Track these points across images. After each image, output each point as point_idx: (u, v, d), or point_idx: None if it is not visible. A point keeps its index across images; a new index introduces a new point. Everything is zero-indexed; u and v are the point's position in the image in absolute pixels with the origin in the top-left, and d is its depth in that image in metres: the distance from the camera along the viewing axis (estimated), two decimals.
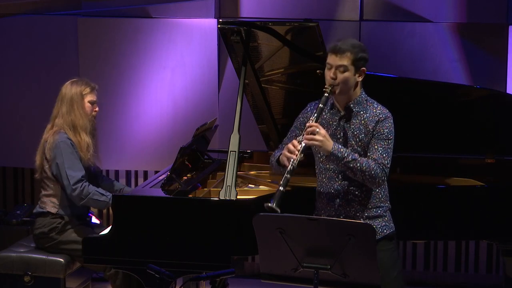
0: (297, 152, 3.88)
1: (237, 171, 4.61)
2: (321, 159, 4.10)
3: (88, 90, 5.17)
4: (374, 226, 3.99)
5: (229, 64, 6.28)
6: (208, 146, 5.54)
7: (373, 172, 3.92)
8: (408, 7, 6.33)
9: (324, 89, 4.00)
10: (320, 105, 3.98)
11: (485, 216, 4.82)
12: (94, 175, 5.31)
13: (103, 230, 5.02)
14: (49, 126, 5.18)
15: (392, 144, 4.01)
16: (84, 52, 6.62)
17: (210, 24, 6.49)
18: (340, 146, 3.94)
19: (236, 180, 4.59)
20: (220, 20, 5.63)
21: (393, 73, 5.60)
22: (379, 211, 4.08)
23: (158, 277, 3.46)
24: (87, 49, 6.62)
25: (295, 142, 3.93)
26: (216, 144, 6.20)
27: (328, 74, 4.01)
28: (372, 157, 3.96)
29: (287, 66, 5.06)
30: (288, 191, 4.79)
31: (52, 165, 5.06)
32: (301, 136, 3.95)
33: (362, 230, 3.58)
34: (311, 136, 3.89)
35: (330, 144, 3.90)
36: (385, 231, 4.08)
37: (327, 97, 3.99)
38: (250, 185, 5.20)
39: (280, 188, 3.87)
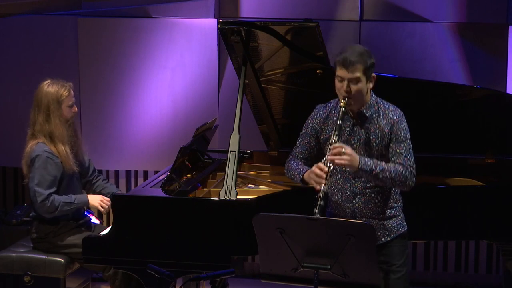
0: (325, 176, 3.86)
1: (237, 171, 4.61)
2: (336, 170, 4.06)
3: (65, 93, 5.06)
4: (390, 226, 4.07)
5: (229, 64, 6.28)
6: (208, 146, 5.54)
7: (402, 177, 3.93)
8: (408, 7, 6.33)
9: (340, 105, 3.95)
10: (338, 121, 3.94)
11: (485, 216, 4.82)
12: (83, 176, 5.31)
13: (103, 230, 5.03)
14: (29, 133, 5.10)
15: (410, 141, 4.01)
16: (84, 52, 6.62)
17: (210, 24, 6.49)
18: (366, 159, 3.92)
19: (236, 180, 4.59)
20: (220, 20, 5.63)
21: (393, 73, 5.60)
22: (393, 211, 4.10)
23: (158, 277, 3.46)
24: (87, 49, 6.62)
25: (321, 165, 3.88)
26: (216, 144, 6.20)
27: (341, 87, 3.95)
28: (397, 161, 3.96)
29: (287, 66, 5.06)
30: (288, 191, 4.82)
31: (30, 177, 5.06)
32: (325, 158, 3.90)
33: (362, 230, 3.58)
34: (338, 157, 3.85)
35: (357, 160, 3.88)
36: (400, 229, 4.11)
37: (344, 112, 3.96)
38: (250, 185, 5.21)
39: (316, 216, 3.79)
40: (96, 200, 5.12)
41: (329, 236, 3.59)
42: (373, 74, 4.00)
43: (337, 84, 3.98)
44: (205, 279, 3.51)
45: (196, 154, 5.32)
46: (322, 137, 4.11)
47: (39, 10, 6.67)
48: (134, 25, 6.56)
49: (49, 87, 5.09)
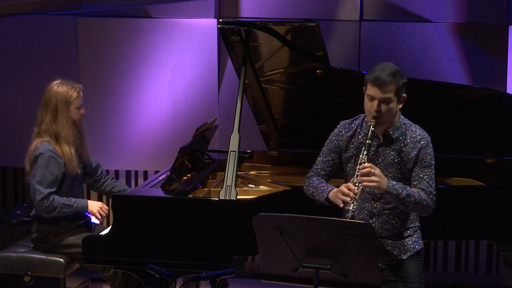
0: (354, 196, 3.82)
1: (237, 171, 4.61)
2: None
3: (75, 95, 5.06)
4: (406, 244, 4.04)
5: (229, 64, 6.28)
6: (208, 146, 5.54)
7: (424, 203, 3.91)
8: (408, 7, 6.33)
9: (369, 124, 3.90)
10: (368, 141, 3.88)
11: (485, 216, 4.82)
12: (90, 176, 5.32)
13: (103, 230, 5.03)
14: (35, 131, 5.11)
15: (433, 168, 3.98)
16: (84, 52, 6.62)
17: (210, 24, 6.49)
18: (394, 182, 3.88)
19: (236, 180, 4.59)
20: (220, 20, 5.63)
21: None
22: (409, 231, 4.08)
23: (158, 277, 3.46)
24: (87, 49, 6.61)
25: (350, 185, 3.83)
26: (216, 144, 6.19)
27: (370, 106, 3.90)
28: (419, 186, 3.93)
29: (287, 66, 5.06)
30: (288, 191, 4.81)
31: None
32: (355, 178, 3.85)
33: (362, 230, 3.58)
34: (368, 178, 3.81)
35: (385, 182, 3.85)
36: (416, 247, 4.09)
37: (373, 132, 3.91)
38: (250, 185, 5.21)
39: None
40: (95, 206, 5.11)
41: (329, 236, 3.58)
42: (404, 95, 3.95)
43: (367, 102, 3.92)
44: (205, 279, 3.51)
45: (196, 154, 5.32)
46: (345, 154, 4.06)
47: (39, 10, 6.67)
48: (134, 25, 6.56)
49: (58, 87, 5.09)
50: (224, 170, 4.61)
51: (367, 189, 3.96)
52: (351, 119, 4.12)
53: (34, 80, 6.66)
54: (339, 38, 6.32)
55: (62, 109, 5.05)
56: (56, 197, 4.98)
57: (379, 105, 3.87)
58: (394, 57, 6.29)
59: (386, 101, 3.87)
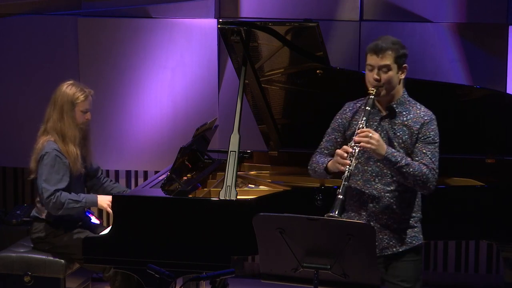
0: (351, 158, 3.78)
1: (237, 171, 4.61)
2: (360, 160, 3.94)
3: (81, 98, 5.08)
4: (404, 236, 3.97)
5: (229, 64, 6.28)
6: (208, 146, 5.54)
7: (424, 177, 3.84)
8: (408, 7, 6.33)
9: (369, 92, 3.87)
10: (367, 108, 3.85)
11: (485, 216, 4.82)
12: (91, 177, 5.33)
13: (103, 230, 5.03)
14: (42, 128, 5.13)
15: (438, 146, 3.94)
16: (84, 52, 6.62)
17: (210, 24, 6.49)
18: (393, 150, 3.84)
19: (236, 180, 4.59)
20: (220, 20, 5.63)
21: None
22: (411, 221, 4.01)
23: (158, 277, 3.46)
24: (87, 49, 6.62)
25: (347, 148, 3.81)
26: (216, 144, 6.19)
27: (371, 76, 3.88)
28: (421, 162, 3.87)
29: (287, 66, 5.06)
30: (288, 191, 4.81)
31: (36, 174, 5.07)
32: (351, 141, 3.83)
33: (362, 230, 3.58)
34: (366, 139, 3.78)
35: (384, 147, 3.80)
36: (414, 242, 4.01)
37: (373, 100, 3.88)
38: (250, 185, 5.21)
39: (340, 196, 3.75)
40: (105, 201, 5.07)
41: (329, 236, 3.58)
42: (405, 65, 3.92)
43: (368, 74, 3.90)
44: (205, 279, 3.51)
45: (196, 154, 5.33)
46: (348, 131, 4.02)
47: (39, 10, 6.67)
48: (134, 25, 6.56)
49: (67, 88, 5.12)
50: (224, 170, 4.61)
51: (367, 168, 3.91)
52: (356, 100, 4.09)
53: (34, 80, 6.66)
54: (339, 38, 6.32)
55: (67, 110, 5.07)
56: (64, 193, 4.98)
57: (378, 74, 3.86)
58: None
59: (386, 68, 3.86)
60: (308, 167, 4.13)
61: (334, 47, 6.20)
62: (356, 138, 3.80)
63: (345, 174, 3.78)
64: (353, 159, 3.79)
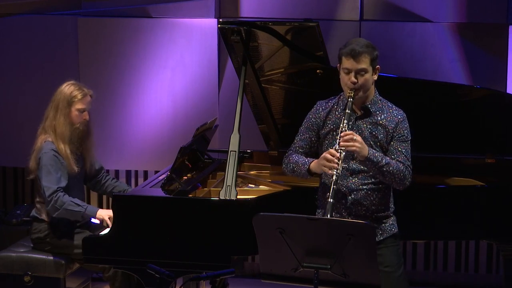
0: (338, 161, 3.88)
1: (237, 171, 4.61)
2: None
3: (79, 96, 5.08)
4: (383, 226, 4.11)
5: (229, 64, 6.28)
6: (208, 146, 5.54)
7: (402, 175, 3.99)
8: (408, 7, 6.33)
9: (348, 95, 3.98)
10: (347, 111, 3.96)
11: (485, 216, 4.82)
12: (92, 177, 5.33)
13: (103, 230, 5.03)
14: (41, 127, 5.15)
15: (410, 143, 4.08)
16: (84, 52, 6.62)
17: (210, 24, 6.49)
18: (374, 151, 3.98)
19: (236, 180, 4.59)
20: (220, 20, 5.62)
21: (393, 73, 5.59)
22: (387, 212, 4.14)
23: (158, 277, 3.46)
24: (87, 49, 6.62)
25: (332, 151, 3.91)
26: (216, 144, 6.19)
27: (347, 78, 4.00)
28: (397, 159, 4.02)
29: (287, 66, 5.06)
30: (288, 191, 4.81)
31: (37, 175, 5.07)
32: (336, 145, 3.93)
33: (362, 230, 3.58)
34: (350, 143, 3.89)
35: (366, 149, 3.93)
36: (393, 229, 4.15)
37: (352, 102, 3.99)
38: (250, 185, 5.20)
39: (330, 200, 3.85)
40: (106, 214, 5.02)
41: (329, 236, 3.58)
42: (378, 66, 4.06)
43: (344, 76, 4.01)
44: (205, 279, 3.51)
45: (196, 154, 5.32)
46: (322, 131, 4.14)
47: (39, 10, 6.67)
48: (134, 25, 6.56)
49: (66, 87, 5.15)
50: (224, 170, 4.61)
51: (345, 165, 3.98)
52: (327, 99, 4.20)
53: (34, 80, 6.66)
54: (339, 38, 6.31)
55: (62, 107, 5.08)
56: (66, 195, 4.99)
57: (356, 77, 3.97)
58: (394, 57, 6.30)
59: (363, 71, 3.97)
60: (284, 166, 4.22)
61: (334, 47, 6.13)
62: (341, 142, 3.90)
63: (333, 178, 3.88)
64: (340, 162, 3.89)
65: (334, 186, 3.86)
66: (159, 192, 4.65)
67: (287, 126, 5.44)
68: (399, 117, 4.07)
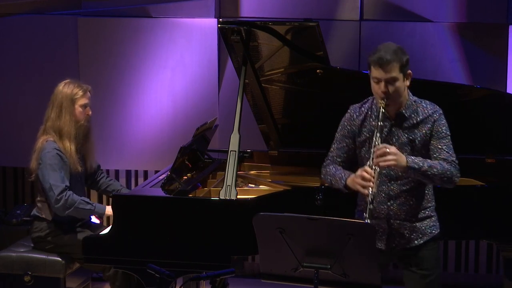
0: (373, 180, 3.78)
1: (237, 171, 4.61)
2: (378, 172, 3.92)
3: (80, 93, 5.11)
4: (423, 228, 4.02)
5: (229, 64, 6.28)
6: (208, 145, 5.54)
7: (449, 173, 3.87)
8: (408, 7, 6.33)
9: (379, 105, 3.86)
10: (380, 123, 3.84)
11: (485, 216, 4.82)
12: (90, 175, 5.33)
13: (103, 230, 5.03)
14: (42, 128, 5.15)
15: (450, 138, 3.95)
16: (84, 52, 6.62)
17: (210, 24, 6.49)
18: (413, 157, 3.84)
19: (236, 180, 4.59)
20: (220, 20, 5.63)
21: None
22: (427, 212, 4.04)
23: (158, 277, 3.46)
24: (87, 49, 6.62)
25: (367, 169, 3.80)
26: (216, 144, 6.19)
27: (378, 88, 3.85)
28: (440, 157, 3.90)
29: (287, 65, 5.06)
30: (288, 191, 4.81)
31: (39, 174, 5.06)
32: (370, 161, 3.82)
33: (362, 230, 3.58)
34: (384, 158, 3.77)
35: (403, 159, 3.80)
36: (433, 231, 4.06)
37: (384, 113, 3.86)
38: (250, 185, 5.21)
39: (367, 221, 3.74)
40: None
41: (329, 236, 3.58)
42: (409, 71, 3.91)
43: (374, 85, 3.87)
44: (205, 279, 3.51)
45: (196, 154, 5.33)
46: (359, 139, 4.02)
47: (39, 10, 6.67)
48: (134, 25, 6.56)
49: (65, 86, 5.15)
50: (224, 170, 4.61)
51: (383, 171, 3.91)
52: (361, 102, 4.07)
53: (34, 80, 6.66)
54: (339, 38, 6.32)
55: (66, 106, 5.09)
56: (74, 193, 4.99)
57: (386, 86, 3.83)
58: None
59: (393, 80, 3.83)
60: (322, 176, 4.12)
61: (334, 47, 6.20)
62: (375, 160, 3.79)
63: (369, 198, 3.78)
64: (375, 180, 3.78)
65: (371, 206, 3.76)
66: (159, 192, 4.65)
67: (287, 126, 5.44)
68: (435, 116, 3.94)
